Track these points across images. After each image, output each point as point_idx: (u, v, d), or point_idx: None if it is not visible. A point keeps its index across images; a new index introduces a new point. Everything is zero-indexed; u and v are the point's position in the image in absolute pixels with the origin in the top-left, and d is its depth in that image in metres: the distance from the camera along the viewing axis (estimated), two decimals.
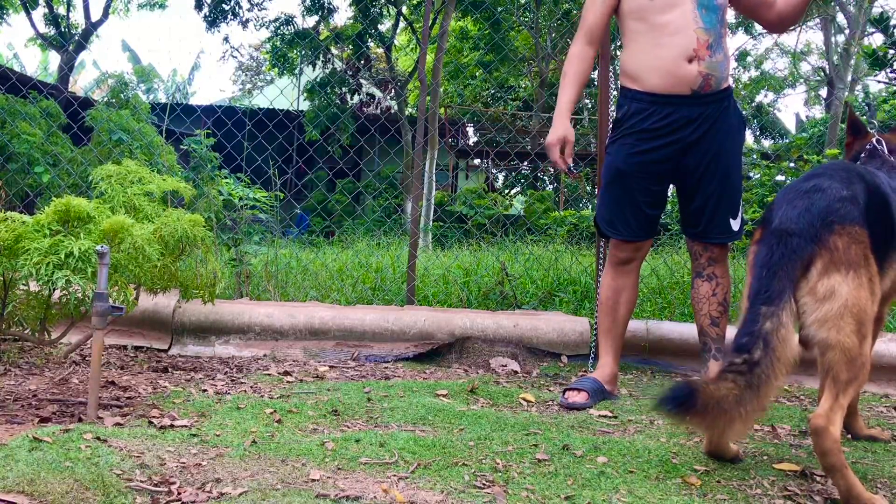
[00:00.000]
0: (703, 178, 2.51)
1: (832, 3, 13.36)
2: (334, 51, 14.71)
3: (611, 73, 3.62)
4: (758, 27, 15.98)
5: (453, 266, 4.59)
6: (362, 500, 1.45)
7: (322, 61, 13.84)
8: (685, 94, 2.44)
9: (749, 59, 19.68)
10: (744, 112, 2.86)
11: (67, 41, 12.34)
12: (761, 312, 1.55)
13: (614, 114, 2.71)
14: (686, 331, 3.17)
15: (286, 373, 2.76)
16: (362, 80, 14.49)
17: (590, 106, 17.19)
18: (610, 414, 2.33)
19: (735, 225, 2.56)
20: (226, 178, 4.82)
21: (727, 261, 2.63)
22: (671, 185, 2.67)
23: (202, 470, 1.58)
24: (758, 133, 20.57)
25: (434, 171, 9.69)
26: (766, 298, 1.57)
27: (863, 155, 2.12)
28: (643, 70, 2.50)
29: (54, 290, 2.06)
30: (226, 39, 21.83)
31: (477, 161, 16.48)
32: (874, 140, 2.14)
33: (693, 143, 2.48)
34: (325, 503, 1.43)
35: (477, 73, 18.40)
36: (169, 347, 3.18)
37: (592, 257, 3.88)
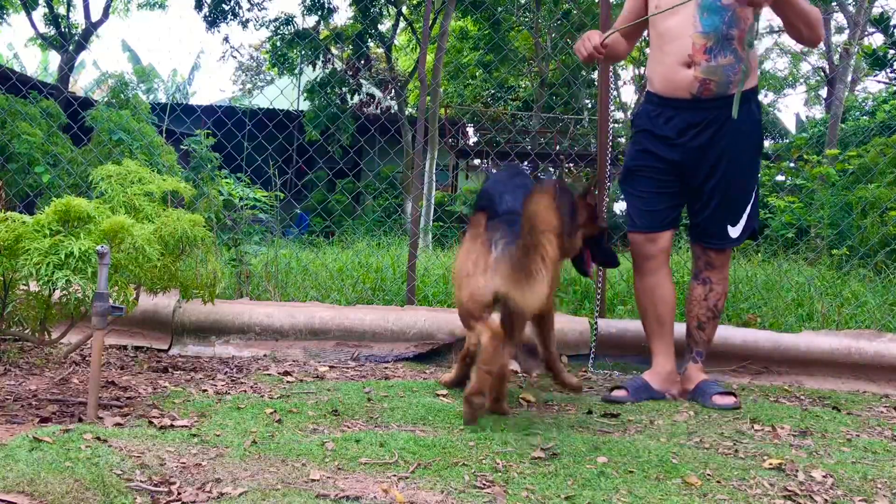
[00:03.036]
0: (704, 183, 2.53)
1: (832, 3, 13.35)
2: (334, 51, 14.70)
3: (611, 74, 3.62)
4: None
5: (453, 266, 4.58)
6: (362, 500, 1.45)
7: (322, 61, 13.82)
8: (685, 98, 2.48)
9: None
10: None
11: (67, 41, 12.33)
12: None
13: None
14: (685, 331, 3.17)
15: (286, 373, 2.76)
16: (362, 80, 14.48)
17: (589, 106, 17.20)
18: (610, 414, 2.33)
19: (734, 232, 2.55)
20: (226, 178, 4.82)
21: (726, 267, 2.63)
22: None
23: (202, 470, 1.58)
24: None
25: (434, 171, 9.68)
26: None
27: None
28: (652, 73, 2.59)
29: (54, 290, 2.06)
30: (226, 39, 21.88)
31: (477, 161, 16.47)
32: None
33: (695, 148, 2.50)
34: (325, 503, 1.43)
35: (477, 73, 18.41)
36: (169, 347, 3.17)
37: None
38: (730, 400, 2.46)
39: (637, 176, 2.63)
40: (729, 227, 2.55)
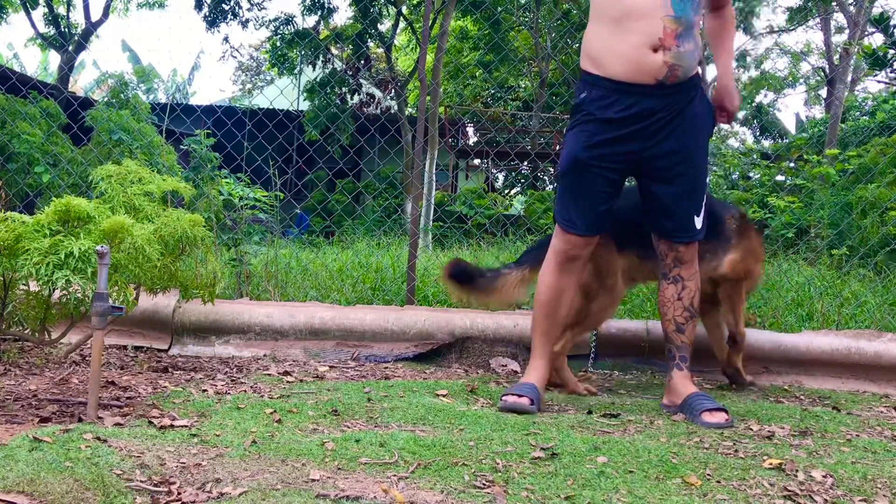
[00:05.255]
0: (666, 172, 2.35)
1: (832, 3, 13.35)
2: (334, 51, 14.71)
3: None
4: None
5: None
6: (362, 500, 1.45)
7: (322, 61, 13.83)
8: (649, 83, 2.26)
9: (749, 59, 19.68)
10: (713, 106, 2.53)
11: (67, 41, 12.33)
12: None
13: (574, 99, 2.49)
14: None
15: (286, 373, 2.76)
16: (362, 80, 14.49)
17: None
18: (610, 414, 2.33)
19: (699, 223, 2.41)
20: (226, 178, 4.82)
21: (695, 262, 2.46)
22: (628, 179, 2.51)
23: (202, 470, 1.58)
24: (758, 133, 20.59)
25: (434, 171, 9.68)
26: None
27: None
28: (605, 54, 2.30)
29: (54, 290, 2.06)
30: (226, 39, 21.89)
31: (477, 161, 16.48)
32: None
33: (656, 135, 2.31)
34: (325, 503, 1.43)
35: (477, 73, 18.41)
36: (169, 347, 3.17)
37: None
38: (720, 417, 2.22)
39: (587, 171, 2.36)
40: (695, 218, 2.39)
